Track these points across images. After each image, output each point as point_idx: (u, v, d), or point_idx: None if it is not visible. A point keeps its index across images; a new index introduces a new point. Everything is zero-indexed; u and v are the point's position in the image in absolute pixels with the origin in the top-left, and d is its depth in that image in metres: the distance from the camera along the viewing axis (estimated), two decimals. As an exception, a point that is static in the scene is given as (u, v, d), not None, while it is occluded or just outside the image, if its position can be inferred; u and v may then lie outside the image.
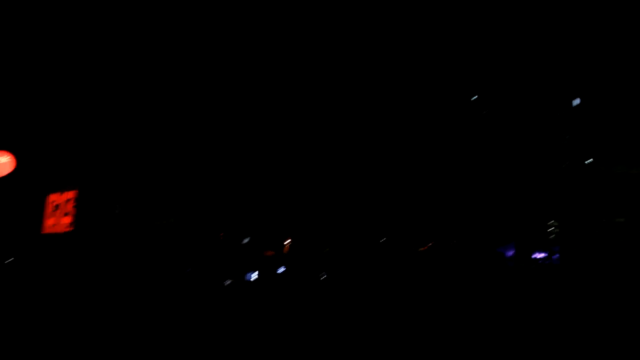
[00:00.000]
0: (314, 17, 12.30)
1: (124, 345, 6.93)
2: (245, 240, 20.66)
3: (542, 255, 18.80)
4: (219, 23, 14.35)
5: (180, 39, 14.90)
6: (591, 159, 17.30)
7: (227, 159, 20.41)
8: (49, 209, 22.55)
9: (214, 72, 16.64)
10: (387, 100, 18.62)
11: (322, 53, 15.10)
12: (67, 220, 21.28)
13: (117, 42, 15.34)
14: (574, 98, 15.94)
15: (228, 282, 17.61)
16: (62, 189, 22.24)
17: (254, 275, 19.38)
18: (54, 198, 22.49)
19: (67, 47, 15.31)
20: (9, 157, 19.03)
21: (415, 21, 13.91)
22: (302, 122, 19.50)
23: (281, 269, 20.20)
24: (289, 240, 21.54)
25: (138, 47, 15.47)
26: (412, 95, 18.22)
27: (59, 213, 21.97)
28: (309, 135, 19.86)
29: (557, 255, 18.39)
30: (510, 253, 19.52)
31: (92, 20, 14.41)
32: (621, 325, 8.15)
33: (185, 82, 17.61)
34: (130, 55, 15.70)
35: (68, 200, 21.65)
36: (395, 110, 18.73)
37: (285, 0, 11.82)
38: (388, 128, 19.29)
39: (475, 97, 18.64)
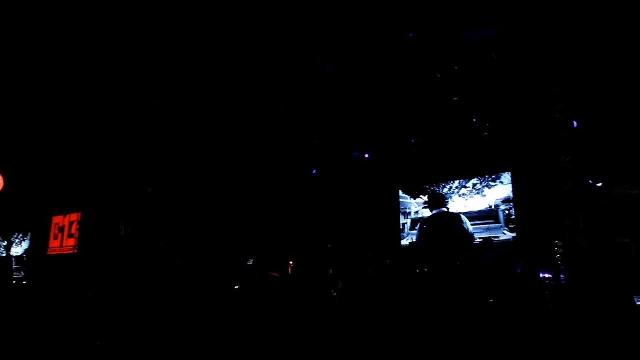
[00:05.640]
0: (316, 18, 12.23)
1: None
2: (250, 262, 20.59)
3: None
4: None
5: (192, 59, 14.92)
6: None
7: (232, 178, 20.55)
8: (53, 231, 22.53)
9: (230, 92, 16.49)
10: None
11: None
12: (71, 242, 21.25)
13: (117, 46, 14.56)
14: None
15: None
16: (65, 211, 22.26)
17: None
18: (58, 220, 22.50)
19: (63, 55, 14.60)
20: (-2, 178, 18.76)
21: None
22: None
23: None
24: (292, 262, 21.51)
25: (139, 54, 14.81)
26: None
27: (63, 235, 21.95)
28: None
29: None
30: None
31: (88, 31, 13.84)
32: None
33: (192, 98, 17.18)
34: (131, 65, 15.13)
35: (72, 223, 21.66)
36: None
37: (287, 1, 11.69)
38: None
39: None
